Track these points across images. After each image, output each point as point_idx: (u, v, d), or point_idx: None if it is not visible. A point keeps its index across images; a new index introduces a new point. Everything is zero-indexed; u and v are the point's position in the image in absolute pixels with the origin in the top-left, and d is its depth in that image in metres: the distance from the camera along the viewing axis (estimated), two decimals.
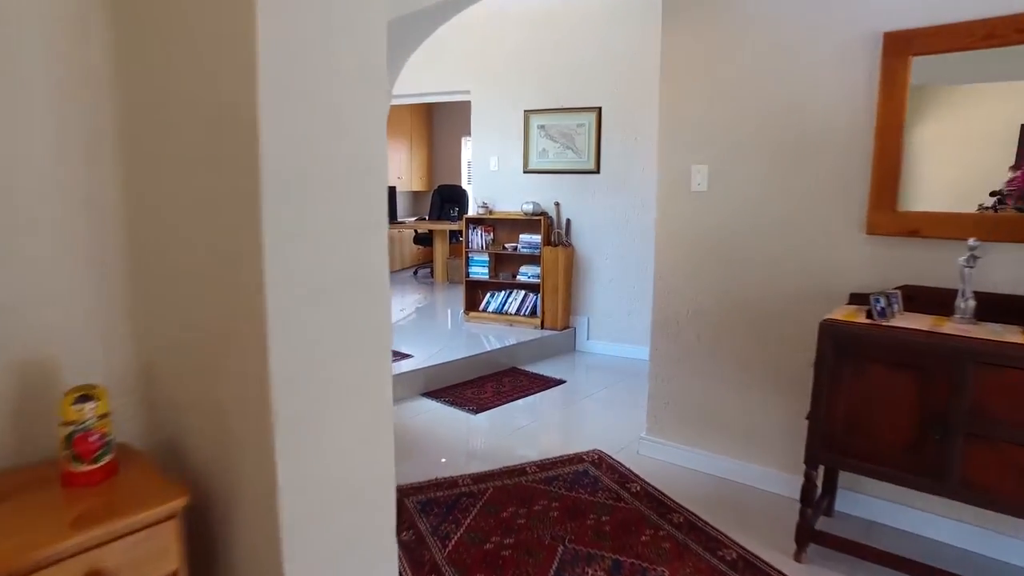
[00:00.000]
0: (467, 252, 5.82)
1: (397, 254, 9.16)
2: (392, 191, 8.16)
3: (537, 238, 5.47)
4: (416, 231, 8.87)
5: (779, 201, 2.80)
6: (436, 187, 9.22)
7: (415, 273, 9.02)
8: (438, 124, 10.59)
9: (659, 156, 3.18)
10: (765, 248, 2.86)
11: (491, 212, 5.77)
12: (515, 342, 5.11)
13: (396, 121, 9.41)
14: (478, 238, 5.73)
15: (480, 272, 5.79)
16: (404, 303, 6.94)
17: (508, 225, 5.75)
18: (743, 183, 2.90)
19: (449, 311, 6.46)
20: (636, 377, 4.63)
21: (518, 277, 5.64)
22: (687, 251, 3.14)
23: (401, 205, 10.39)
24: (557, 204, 5.50)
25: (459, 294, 6.81)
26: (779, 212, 2.80)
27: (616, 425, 3.85)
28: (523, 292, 5.66)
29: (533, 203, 5.43)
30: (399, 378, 4.16)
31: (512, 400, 4.24)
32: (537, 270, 5.52)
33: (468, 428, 3.78)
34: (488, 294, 5.82)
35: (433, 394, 4.28)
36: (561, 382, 4.67)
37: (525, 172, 5.62)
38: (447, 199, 9.03)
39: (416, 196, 10.96)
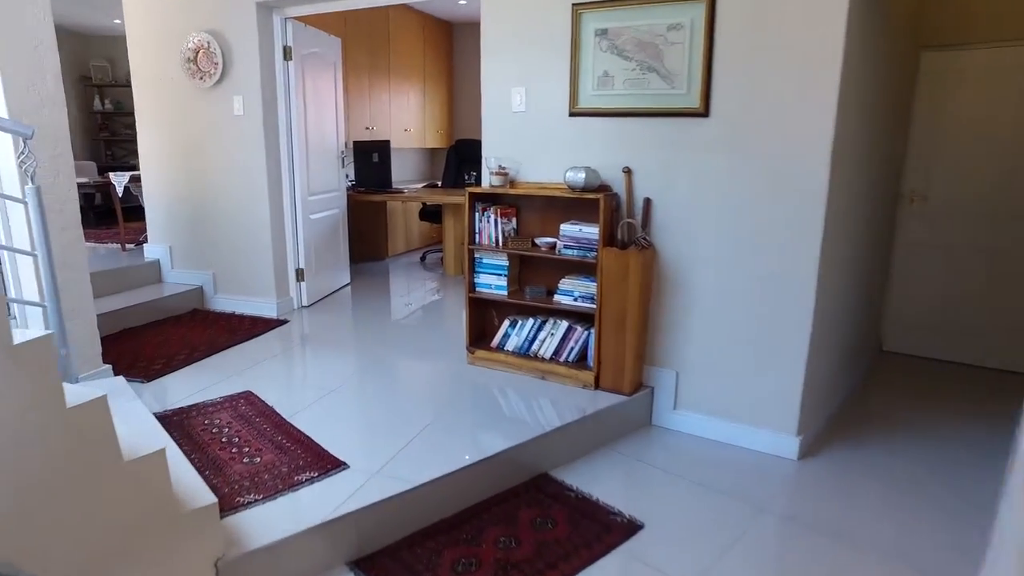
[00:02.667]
0: (472, 251, 3.49)
1: (401, 232, 6.88)
2: (385, 148, 5.84)
3: (592, 230, 3.11)
4: (424, 203, 6.56)
5: None
6: (453, 143, 6.85)
7: (423, 259, 6.74)
8: (462, 55, 8.16)
9: None
10: None
11: (513, 183, 3.41)
12: (549, 424, 2.80)
13: (401, 47, 7.02)
14: (490, 226, 3.39)
15: (493, 284, 3.47)
16: (390, 314, 4.68)
17: (541, 206, 3.40)
18: None
19: (450, 336, 4.16)
20: (790, 520, 2.32)
21: (557, 297, 3.30)
22: None
23: (408, 167, 8.07)
24: (628, 172, 3.12)
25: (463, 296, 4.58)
26: None
27: None
28: (565, 323, 3.32)
29: (585, 169, 3.05)
30: (305, 538, 1.93)
31: None
32: (591, 286, 3.18)
33: None
34: (506, 322, 3.50)
35: (373, 567, 2.04)
36: (633, 528, 2.37)
37: (572, 115, 3.23)
38: (466, 159, 6.67)
39: (433, 156, 8.61)
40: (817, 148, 2.68)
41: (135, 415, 2.34)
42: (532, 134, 3.36)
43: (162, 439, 2.24)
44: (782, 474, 2.83)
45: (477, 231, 3.44)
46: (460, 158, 6.69)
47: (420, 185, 7.08)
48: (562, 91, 3.23)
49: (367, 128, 6.51)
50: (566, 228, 3.18)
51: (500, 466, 2.59)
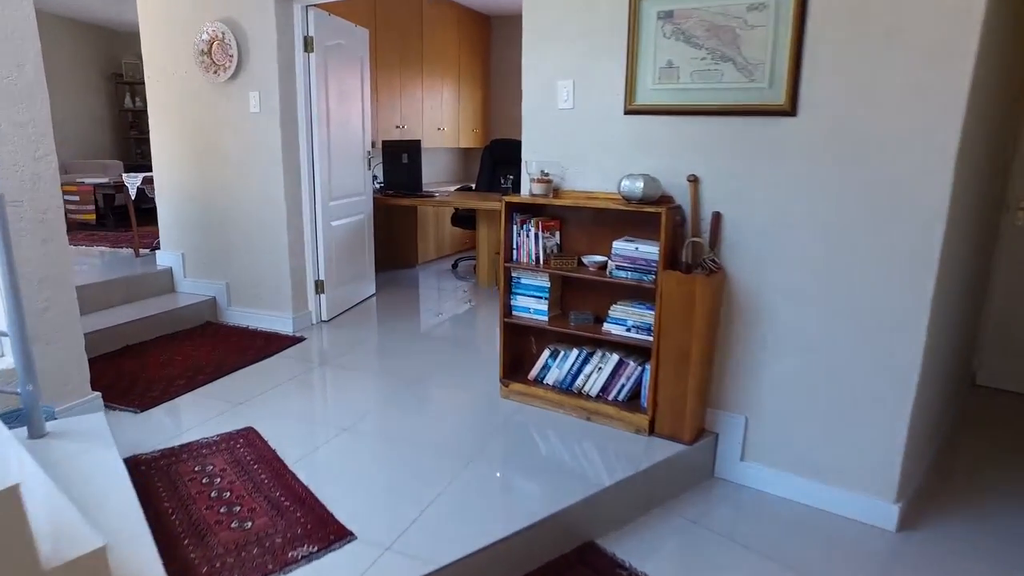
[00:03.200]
0: (508, 269, 3.04)
1: (432, 238, 6.47)
2: (416, 148, 5.42)
3: (650, 249, 2.63)
4: (456, 208, 6.13)
5: None
6: (488, 143, 6.42)
7: (455, 267, 6.32)
8: (499, 50, 7.73)
9: None
10: None
11: (557, 191, 2.96)
12: (598, 481, 2.34)
13: (435, 40, 6.62)
14: (530, 241, 2.94)
15: (532, 308, 3.02)
16: (417, 331, 4.26)
17: (589, 219, 2.93)
18: None
19: (483, 361, 3.72)
20: None
21: (607, 326, 2.83)
22: None
23: (440, 168, 7.67)
24: (694, 181, 2.64)
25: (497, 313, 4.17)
26: None
27: None
28: (615, 356, 2.85)
29: (644, 177, 2.58)
30: None
31: None
32: (647, 315, 2.70)
33: None
34: (547, 352, 3.04)
35: None
36: None
37: (629, 112, 2.76)
38: (501, 160, 6.23)
39: (467, 156, 8.19)
40: (937, 158, 2.16)
41: (99, 474, 1.95)
42: (580, 135, 2.90)
43: (113, 521, 1.84)
44: (878, 550, 2.32)
45: (515, 246, 2.99)
46: (495, 159, 6.25)
47: (453, 188, 6.66)
48: (616, 85, 2.77)
49: (397, 127, 6.11)
50: (619, 246, 2.71)
51: (539, 535, 2.14)
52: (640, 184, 2.56)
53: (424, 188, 5.87)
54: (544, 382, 3.04)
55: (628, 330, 2.76)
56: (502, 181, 4.96)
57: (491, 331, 4.24)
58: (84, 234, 6.05)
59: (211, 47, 3.96)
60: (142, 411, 2.94)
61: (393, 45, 5.87)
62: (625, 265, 2.70)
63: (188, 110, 4.19)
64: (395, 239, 6.21)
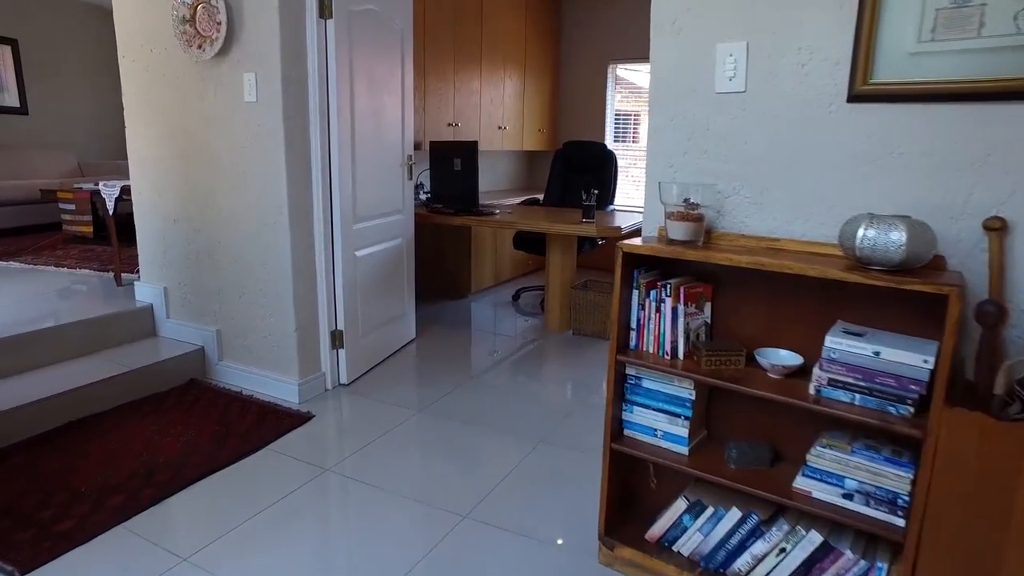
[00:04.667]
0: (620, 364, 1.80)
1: (488, 261, 5.30)
2: (471, 152, 4.22)
3: (910, 358, 1.37)
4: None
5: None
6: (560, 146, 5.21)
7: (516, 298, 5.12)
8: (572, 35, 6.51)
9: None
10: None
11: (710, 235, 1.72)
12: None
13: (498, 20, 5.44)
14: (660, 317, 1.71)
15: (661, 430, 1.79)
16: (468, 402, 3.07)
17: (770, 286, 1.68)
18: None
19: (567, 482, 2.53)
20: None
21: (803, 481, 1.58)
22: None
23: (500, 174, 6.50)
24: (999, 228, 1.36)
25: (587, 384, 3.00)
26: None
27: None
28: (816, 535, 1.59)
29: (905, 223, 1.32)
30: None
31: None
32: (895, 476, 1.44)
33: None
34: (682, 502, 1.80)
35: None
36: None
37: (859, 97, 1.51)
38: (575, 167, 5.02)
39: (532, 161, 7.00)
40: None
41: None
42: (756, 138, 1.66)
43: None
44: None
45: (634, 325, 1.77)
46: (568, 166, 5.04)
47: (516, 201, 5.47)
48: (832, 48, 1.52)
49: (450, 124, 4.96)
50: (837, 343, 1.46)
51: None
52: (901, 236, 1.31)
53: (482, 202, 4.70)
54: (674, 548, 1.81)
55: (848, 496, 1.51)
56: (584, 197, 3.76)
57: (575, 412, 3.03)
58: (78, 250, 5.10)
59: (195, 12, 2.86)
60: (25, 574, 1.84)
61: (445, 22, 4.71)
62: (850, 380, 1.45)
63: (168, 99, 3.12)
64: (443, 264, 5.06)
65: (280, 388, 3.09)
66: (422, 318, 4.42)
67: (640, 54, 6.12)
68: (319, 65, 2.85)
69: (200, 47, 2.88)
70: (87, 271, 4.32)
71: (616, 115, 6.50)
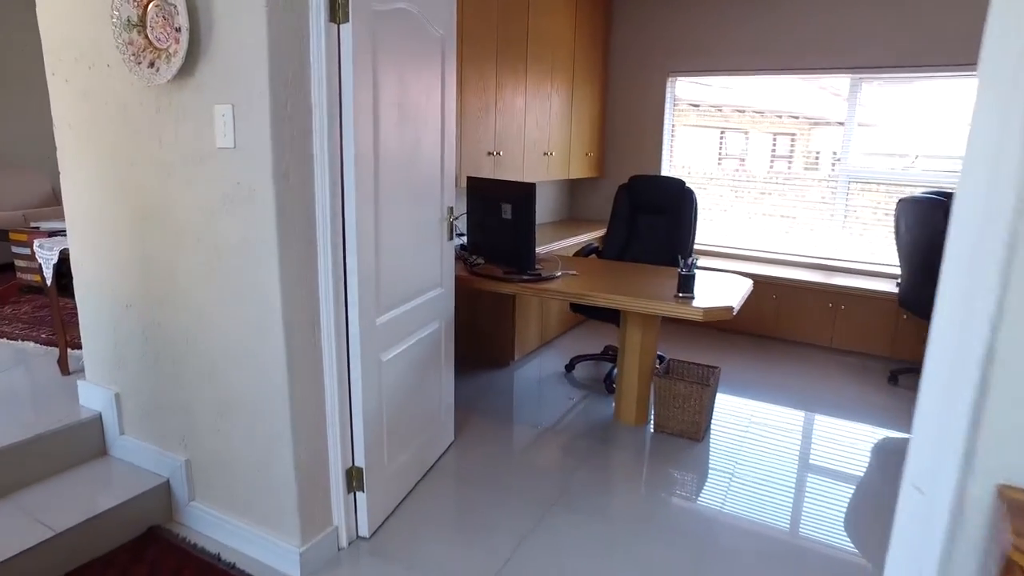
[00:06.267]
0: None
1: (534, 322, 4.33)
2: (527, 198, 3.25)
3: None
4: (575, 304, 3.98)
5: None
6: (627, 182, 4.25)
7: (569, 369, 4.13)
8: (626, 39, 5.54)
9: None
10: None
11: None
12: None
13: (545, 25, 4.48)
14: None
15: None
16: (529, 542, 2.12)
17: None
18: None
19: None
20: None
21: None
22: None
23: (541, 207, 5.55)
24: None
25: (688, 522, 2.00)
26: None
27: None
28: None
29: None
30: None
31: None
32: None
33: None
34: None
35: None
36: None
37: None
38: (644, 207, 4.06)
39: (574, 190, 6.02)
40: None
41: None
42: None
43: None
44: None
45: None
46: (635, 206, 4.08)
47: (566, 244, 4.51)
48: None
49: (490, 154, 4.01)
50: None
51: None
52: None
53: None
54: None
55: None
56: (681, 265, 2.80)
57: (660, 546, 2.06)
58: (31, 305, 4.17)
59: (144, 13, 1.92)
60: None
61: (487, 22, 3.76)
62: None
63: (114, 138, 2.18)
64: (481, 326, 4.11)
65: (274, 552, 2.13)
66: (459, 402, 3.47)
67: (708, 66, 5.15)
68: (327, 91, 1.90)
69: (153, 65, 1.94)
70: (32, 343, 3.39)
71: (672, 135, 5.52)
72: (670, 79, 5.39)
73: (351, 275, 2.07)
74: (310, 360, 2.04)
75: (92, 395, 2.56)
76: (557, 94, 4.74)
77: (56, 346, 3.30)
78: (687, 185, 3.93)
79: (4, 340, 3.46)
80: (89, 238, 2.39)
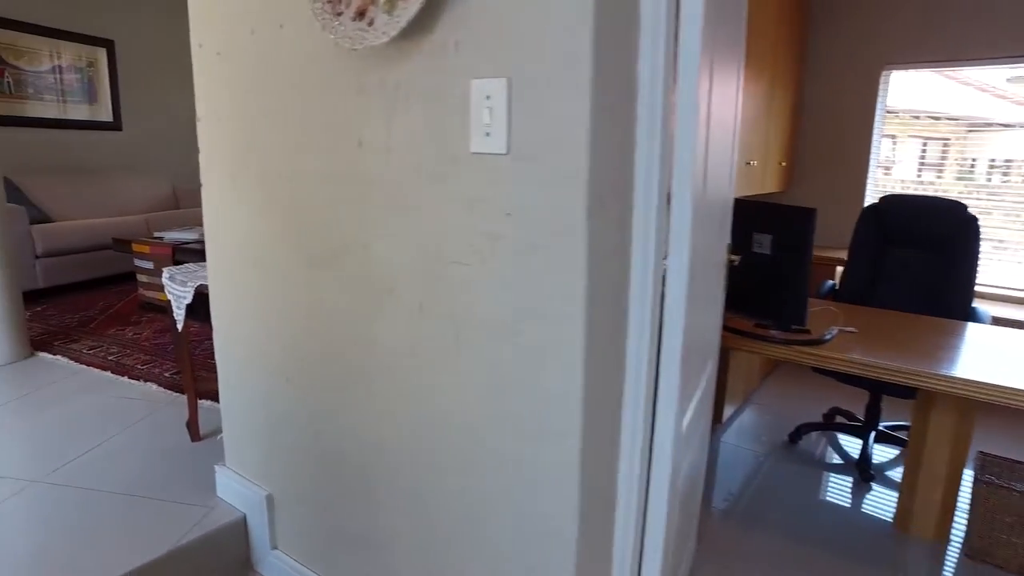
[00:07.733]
0: None
1: (741, 371, 3.45)
2: (806, 227, 2.37)
3: None
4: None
5: None
6: (877, 202, 3.31)
7: (793, 439, 3.21)
8: (826, 34, 4.56)
9: None
10: None
11: None
12: None
13: (755, 18, 3.60)
14: None
15: None
16: None
17: None
18: None
19: None
20: None
21: None
22: None
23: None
24: None
25: None
26: None
27: None
28: None
29: None
30: None
31: None
32: None
33: None
34: None
35: None
36: None
37: None
38: (899, 238, 3.10)
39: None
40: None
41: None
42: None
43: None
44: None
45: None
46: (886, 236, 3.13)
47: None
48: None
49: (748, 163, 3.19)
50: None
51: None
52: None
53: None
54: None
55: None
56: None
57: None
58: (152, 330, 3.61)
59: None
60: None
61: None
62: None
63: (280, 136, 1.46)
64: None
65: None
66: None
67: (937, 56, 4.12)
68: (664, 62, 1.10)
69: (363, 15, 1.20)
70: (154, 385, 2.79)
71: (894, 143, 4.50)
72: (886, 69, 4.38)
73: (669, 360, 1.26)
74: (604, 494, 1.25)
75: (234, 490, 1.88)
76: (759, 95, 3.84)
77: (183, 392, 2.69)
78: (968, 211, 2.96)
79: (126, 378, 2.88)
80: (238, 278, 1.69)
